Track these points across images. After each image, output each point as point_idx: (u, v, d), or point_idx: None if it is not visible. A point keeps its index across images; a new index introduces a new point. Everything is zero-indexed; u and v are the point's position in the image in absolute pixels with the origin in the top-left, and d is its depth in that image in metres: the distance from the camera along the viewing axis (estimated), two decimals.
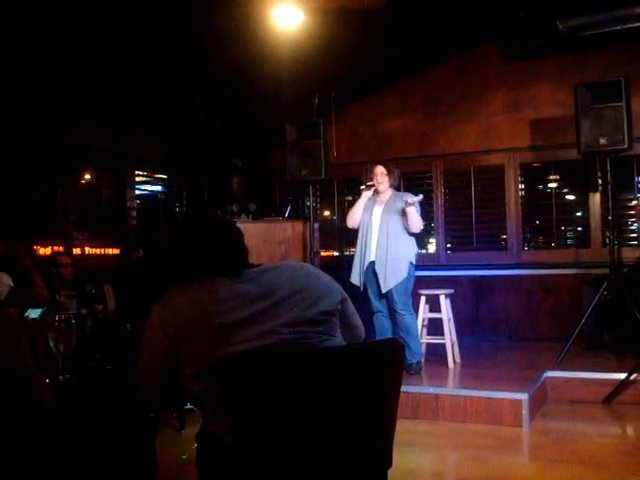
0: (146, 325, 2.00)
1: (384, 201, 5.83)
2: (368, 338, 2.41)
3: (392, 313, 5.78)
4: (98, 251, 7.20)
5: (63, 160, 6.74)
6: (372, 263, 5.74)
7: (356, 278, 5.83)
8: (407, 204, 5.55)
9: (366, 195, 5.88)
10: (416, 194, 5.74)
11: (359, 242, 5.90)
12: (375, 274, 5.71)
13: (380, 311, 5.83)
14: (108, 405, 2.32)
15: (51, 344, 2.37)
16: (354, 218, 5.92)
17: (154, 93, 6.61)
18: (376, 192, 5.88)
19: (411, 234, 5.75)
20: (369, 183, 5.92)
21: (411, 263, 5.72)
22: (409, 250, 5.72)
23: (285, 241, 6.85)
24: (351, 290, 5.54)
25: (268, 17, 5.65)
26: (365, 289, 5.83)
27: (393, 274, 5.63)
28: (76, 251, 6.80)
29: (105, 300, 5.76)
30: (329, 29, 6.15)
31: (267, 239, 6.65)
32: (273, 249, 6.67)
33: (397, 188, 6.04)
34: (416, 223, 5.65)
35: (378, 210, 5.81)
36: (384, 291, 5.68)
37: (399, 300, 5.67)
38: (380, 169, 5.84)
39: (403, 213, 5.67)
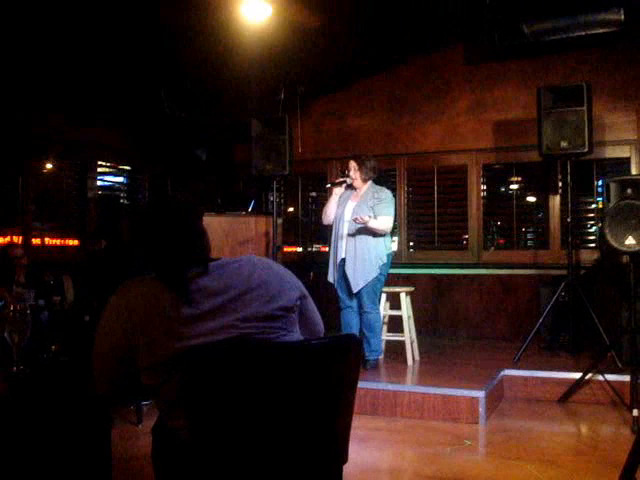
0: (101, 316, 1.97)
1: (359, 196, 5.80)
2: (333, 333, 2.41)
3: (360, 309, 5.82)
4: (58, 242, 7.08)
5: (25, 148, 6.62)
6: (343, 260, 5.74)
7: (331, 276, 5.84)
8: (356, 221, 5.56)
9: (336, 192, 5.87)
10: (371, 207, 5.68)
11: (332, 238, 5.89)
12: (345, 272, 5.71)
13: (349, 307, 5.84)
14: (62, 398, 2.29)
15: (5, 335, 2.33)
16: (327, 215, 5.91)
17: (119, 83, 6.53)
18: (352, 187, 5.85)
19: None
20: (337, 180, 5.93)
21: (383, 262, 5.69)
22: (380, 248, 5.68)
23: (248, 236, 6.82)
24: (318, 284, 5.55)
25: (236, 11, 5.63)
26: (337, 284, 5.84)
27: (362, 276, 5.63)
28: (35, 241, 6.67)
29: (64, 291, 5.68)
30: (297, 25, 6.14)
31: (230, 233, 6.62)
32: (235, 243, 6.63)
33: (377, 180, 5.98)
34: (377, 229, 5.62)
35: (351, 205, 5.77)
36: (354, 291, 5.69)
37: (367, 299, 5.71)
38: (352, 164, 5.80)
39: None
